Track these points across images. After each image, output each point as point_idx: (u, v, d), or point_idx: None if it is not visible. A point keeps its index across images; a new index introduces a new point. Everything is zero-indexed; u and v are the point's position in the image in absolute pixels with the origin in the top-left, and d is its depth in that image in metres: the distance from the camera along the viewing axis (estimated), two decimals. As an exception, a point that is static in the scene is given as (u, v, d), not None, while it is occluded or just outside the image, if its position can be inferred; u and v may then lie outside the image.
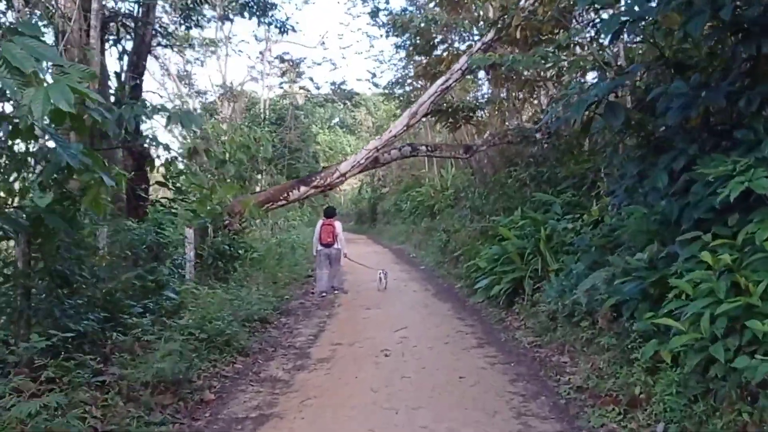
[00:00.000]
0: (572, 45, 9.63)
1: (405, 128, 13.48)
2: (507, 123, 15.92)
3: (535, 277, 9.73)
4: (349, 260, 14.79)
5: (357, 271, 17.08)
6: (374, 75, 32.24)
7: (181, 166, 12.24)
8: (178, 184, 11.56)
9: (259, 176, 22.06)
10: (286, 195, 13.29)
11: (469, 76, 14.95)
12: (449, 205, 22.31)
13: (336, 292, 13.73)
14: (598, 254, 7.51)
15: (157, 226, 8.31)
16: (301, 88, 34.31)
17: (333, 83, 34.99)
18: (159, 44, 16.84)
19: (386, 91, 28.31)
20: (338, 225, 13.89)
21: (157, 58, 31.15)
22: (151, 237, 8.21)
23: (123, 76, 12.24)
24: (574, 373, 6.50)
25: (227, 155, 17.49)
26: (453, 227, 18.25)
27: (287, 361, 7.79)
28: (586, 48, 9.69)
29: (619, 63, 8.90)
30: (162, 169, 11.53)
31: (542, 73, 12.79)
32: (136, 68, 12.43)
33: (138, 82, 12.34)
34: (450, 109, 14.16)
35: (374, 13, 24.12)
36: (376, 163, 14.20)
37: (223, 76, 28.09)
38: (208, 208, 11.81)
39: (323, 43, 34.96)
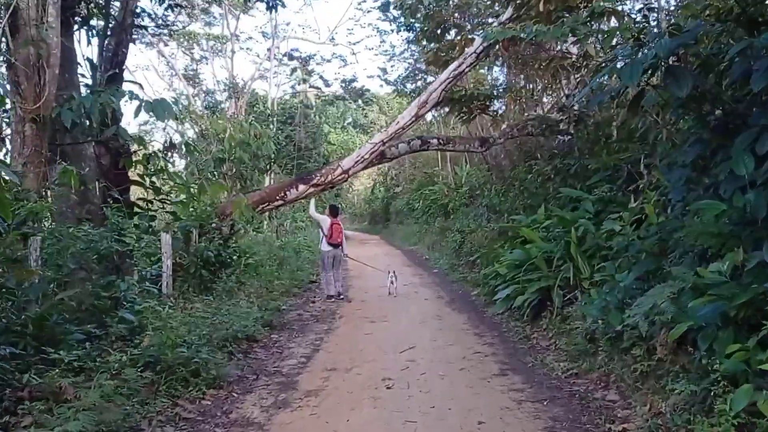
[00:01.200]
0: (608, 14, 8.02)
1: (414, 119, 11.95)
2: (526, 113, 14.30)
3: (566, 286, 8.17)
4: (351, 260, 13.65)
5: (364, 275, 15.57)
6: (385, 71, 30.47)
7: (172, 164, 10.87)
8: (158, 184, 10.12)
9: (264, 176, 20.64)
10: (283, 194, 11.81)
11: (485, 61, 13.36)
12: (464, 203, 20.76)
13: (341, 297, 12.38)
14: (651, 262, 5.93)
15: (117, 232, 6.86)
16: (310, 86, 32.87)
17: (343, 80, 33.50)
18: (140, 27, 15.28)
19: (397, 86, 26.78)
20: (342, 225, 12.71)
21: (163, 55, 30.14)
22: (106, 245, 6.73)
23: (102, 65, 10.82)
24: (627, 419, 4.93)
25: (226, 153, 16.18)
26: (468, 227, 16.72)
27: (268, 395, 6.27)
28: (625, 19, 8.09)
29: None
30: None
31: (567, 53, 11.18)
32: (115, 56, 10.97)
33: (117, 71, 10.88)
34: (464, 98, 12.59)
35: (385, 7, 22.65)
36: (383, 158, 12.68)
37: (230, 73, 26.74)
38: (192, 209, 10.37)
39: (333, 39, 33.59)
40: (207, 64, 28.31)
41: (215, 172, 16.58)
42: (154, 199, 9.78)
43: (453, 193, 22.54)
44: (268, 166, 18.36)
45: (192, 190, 10.69)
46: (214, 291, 9.66)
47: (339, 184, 12.52)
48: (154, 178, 9.93)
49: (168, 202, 9.88)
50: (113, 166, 9.86)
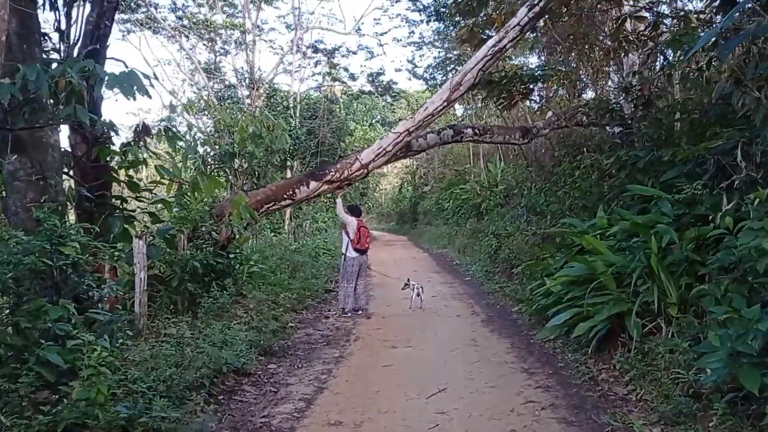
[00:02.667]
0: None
1: (445, 104, 10.03)
2: (576, 99, 12.27)
3: (645, 312, 6.20)
4: (373, 271, 11.70)
5: (387, 283, 13.70)
6: (414, 64, 28.59)
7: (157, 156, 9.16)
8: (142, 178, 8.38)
9: (280, 173, 18.88)
10: (291, 193, 9.98)
11: (527, 41, 11.39)
12: (499, 204, 18.76)
13: (359, 312, 10.57)
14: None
15: (50, 240, 5.08)
16: (334, 79, 31.07)
17: (370, 74, 31.61)
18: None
19: (426, 78, 24.85)
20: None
21: (183, 48, 28.59)
22: (32, 259, 4.95)
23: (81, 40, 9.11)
24: None
25: (235, 147, 14.43)
26: (505, 230, 14.73)
27: (243, 470, 4.46)
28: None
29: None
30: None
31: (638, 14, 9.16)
32: (96, 29, 9.23)
33: (98, 47, 9.14)
34: (504, 80, 10.62)
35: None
36: (408, 150, 10.79)
37: (249, 62, 25.02)
38: (182, 209, 8.61)
39: (359, 29, 31.56)
40: (227, 56, 26.63)
41: (225, 169, 14.84)
42: (130, 197, 8.01)
43: (486, 193, 20.57)
44: (284, 162, 16.52)
45: (184, 186, 8.94)
46: (202, 309, 7.88)
47: (357, 180, 10.66)
48: (132, 172, 8.20)
49: (147, 200, 8.10)
50: (90, 157, 8.15)
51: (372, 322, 9.87)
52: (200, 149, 15.72)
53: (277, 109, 21.52)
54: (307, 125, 24.68)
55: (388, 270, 13.18)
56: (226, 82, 28.23)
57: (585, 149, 13.50)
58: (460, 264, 17.73)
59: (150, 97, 6.86)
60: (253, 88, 21.15)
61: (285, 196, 9.98)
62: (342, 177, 10.15)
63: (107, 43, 9.24)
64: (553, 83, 11.54)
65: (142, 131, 7.30)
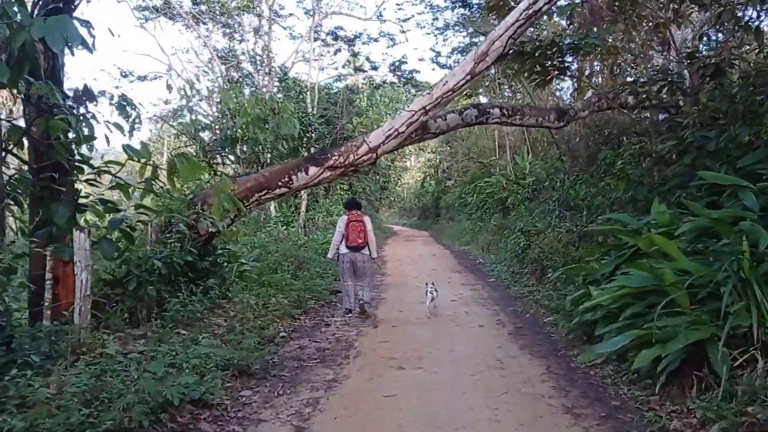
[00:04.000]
0: None
1: (468, 78, 8.40)
2: (620, 77, 10.53)
3: (733, 339, 4.55)
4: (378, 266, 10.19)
5: (402, 283, 12.16)
6: (438, 54, 26.91)
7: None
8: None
9: (288, 161, 17.33)
10: (286, 180, 8.44)
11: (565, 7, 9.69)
12: (526, 198, 17.04)
13: (362, 310, 9.38)
14: None
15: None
16: (356, 68, 29.49)
17: (392, 63, 29.95)
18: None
19: (449, 64, 23.14)
20: (368, 221, 9.53)
21: (199, 36, 27.25)
22: None
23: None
24: None
25: (237, 131, 13.00)
26: (534, 227, 13.05)
27: None
28: None
29: None
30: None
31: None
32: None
33: (61, 4, 7.66)
34: (539, 50, 8.93)
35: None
36: (425, 132, 9.18)
37: (264, 47, 23.57)
38: (152, 197, 7.14)
39: (380, 15, 29.62)
40: (241, 43, 25.19)
41: (228, 156, 13.40)
42: (87, 180, 6.53)
43: (513, 186, 18.85)
44: (294, 150, 14.99)
45: (154, 170, 7.45)
46: (165, 318, 6.39)
47: (365, 166, 9.05)
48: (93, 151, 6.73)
49: (97, 183, 6.61)
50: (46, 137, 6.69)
51: (379, 333, 8.31)
52: (204, 135, 14.39)
53: (289, 93, 19.95)
54: (325, 114, 23.10)
55: (405, 269, 11.62)
56: (244, 71, 26.84)
57: (625, 137, 11.83)
58: (484, 263, 16.08)
59: (91, 51, 5.36)
60: (265, 72, 19.60)
61: (280, 183, 8.44)
62: (346, 162, 8.58)
63: (75, 3, 7.77)
64: (593, 57, 9.79)
65: (83, 95, 5.80)
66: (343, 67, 29.24)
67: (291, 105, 13.42)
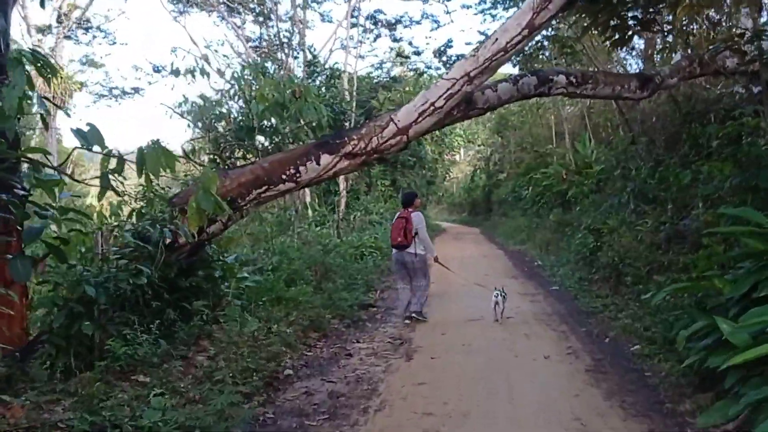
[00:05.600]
0: None
1: (525, 34, 6.40)
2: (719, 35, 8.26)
3: None
4: (441, 265, 9.35)
5: (444, 295, 10.19)
6: (486, 37, 24.61)
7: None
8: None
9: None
10: (292, 172, 6.60)
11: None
12: (591, 190, 14.80)
13: (409, 320, 8.53)
14: None
15: None
16: (398, 55, 27.57)
17: (437, 49, 27.85)
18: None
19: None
20: (416, 217, 8.71)
21: (233, 27, 25.77)
22: None
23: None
24: None
25: (253, 118, 11.28)
26: (604, 224, 10.90)
27: None
28: None
29: None
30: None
31: None
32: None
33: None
34: (616, -2, 6.83)
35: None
36: (469, 107, 7.20)
37: (297, 30, 21.83)
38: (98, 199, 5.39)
39: (424, -6, 27.15)
40: (275, 28, 23.52)
41: (245, 148, 11.70)
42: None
43: (574, 177, 16.62)
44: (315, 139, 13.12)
45: (120, 162, 5.70)
46: (103, 365, 4.63)
47: (392, 152, 7.08)
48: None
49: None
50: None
51: (413, 367, 6.39)
52: (220, 127, 12.71)
53: (318, 78, 18.11)
54: (364, 104, 21.24)
55: (451, 273, 9.69)
56: (280, 60, 25.20)
57: (713, 113, 9.62)
58: (543, 266, 13.95)
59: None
60: (288, 55, 17.81)
61: (284, 176, 6.60)
62: (368, 147, 6.69)
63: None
64: (688, 9, 7.56)
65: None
66: (387, 53, 27.35)
67: (314, 88, 11.55)
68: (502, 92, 7.36)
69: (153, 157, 5.50)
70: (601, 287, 9.95)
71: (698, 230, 8.20)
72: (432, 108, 6.69)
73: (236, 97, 12.21)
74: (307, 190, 19.27)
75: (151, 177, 5.86)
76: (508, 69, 17.21)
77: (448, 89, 6.63)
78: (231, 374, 5.33)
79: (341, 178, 20.88)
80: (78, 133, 5.20)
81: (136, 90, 29.49)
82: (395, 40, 27.04)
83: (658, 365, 5.82)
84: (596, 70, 9.62)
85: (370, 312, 9.36)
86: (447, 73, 6.77)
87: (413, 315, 8.55)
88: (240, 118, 11.33)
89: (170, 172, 5.90)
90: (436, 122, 6.94)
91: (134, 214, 5.98)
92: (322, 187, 23.23)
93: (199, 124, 12.35)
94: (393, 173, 25.96)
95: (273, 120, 11.25)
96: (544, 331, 7.79)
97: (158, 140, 5.79)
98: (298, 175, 6.62)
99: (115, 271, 5.07)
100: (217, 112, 11.86)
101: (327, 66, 19.13)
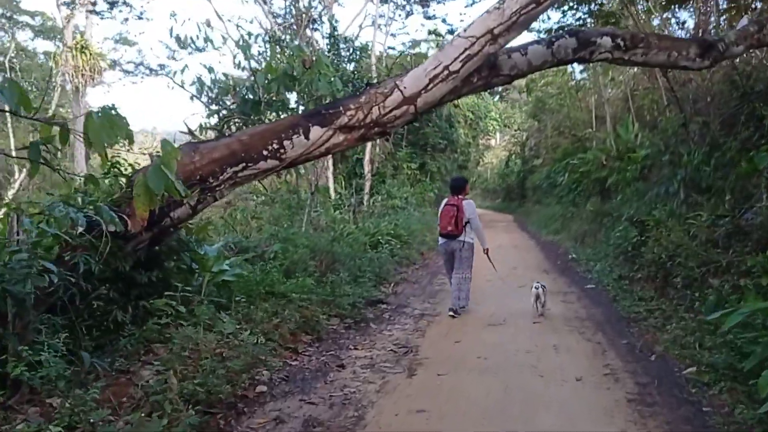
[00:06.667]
0: None
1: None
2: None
3: None
4: (488, 259, 8.63)
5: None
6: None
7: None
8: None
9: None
10: (276, 147, 5.44)
11: None
12: (635, 177, 13.34)
13: (455, 314, 7.85)
14: None
15: None
16: (430, 33, 26.17)
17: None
18: None
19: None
20: (468, 205, 8.13)
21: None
22: None
23: None
24: None
25: (259, 91, 10.22)
26: (650, 216, 9.53)
27: None
28: None
29: None
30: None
31: None
32: None
33: None
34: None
35: None
36: (492, 73, 5.91)
37: (327, 7, 20.61)
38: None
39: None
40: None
41: (249, 122, 10.60)
42: None
43: (615, 163, 15.14)
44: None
45: (63, 131, 4.61)
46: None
47: (396, 125, 5.84)
48: None
49: None
50: None
51: (414, 387, 5.20)
52: (227, 99, 11.62)
53: (339, 52, 16.83)
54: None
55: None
56: (308, 36, 24.03)
57: None
58: (578, 259, 12.59)
59: None
60: (305, 25, 16.52)
61: (265, 151, 5.43)
62: (368, 119, 5.49)
63: None
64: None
65: None
66: (416, 32, 25.95)
67: (325, 58, 10.34)
68: (533, 56, 6.05)
69: (99, 126, 4.42)
70: (644, 288, 8.62)
71: (764, 226, 6.87)
72: (446, 72, 5.44)
73: (242, 68, 11.11)
74: (329, 172, 18.16)
75: (106, 150, 4.81)
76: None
77: (465, 50, 5.38)
78: (181, 394, 4.25)
79: (366, 160, 19.73)
80: (5, 92, 4.16)
81: (162, 67, 28.80)
82: (428, 17, 25.66)
83: (720, 398, 4.56)
84: (648, 33, 8.16)
85: (378, 309, 8.20)
86: (465, 30, 5.49)
87: (461, 309, 7.99)
88: (245, 91, 10.22)
89: (129, 143, 4.85)
90: (452, 90, 5.69)
91: (76, 195, 4.90)
92: (348, 169, 22.14)
93: (205, 99, 11.29)
94: (422, 156, 24.69)
95: (281, 92, 10.13)
96: (577, 343, 6.53)
97: (111, 106, 4.70)
98: (282, 151, 5.45)
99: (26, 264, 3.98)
100: (222, 84, 10.78)
101: (351, 40, 17.82)
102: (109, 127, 4.46)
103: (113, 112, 4.57)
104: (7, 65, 22.24)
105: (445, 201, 8.28)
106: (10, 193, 22.87)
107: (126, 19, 32.90)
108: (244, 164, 5.43)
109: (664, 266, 8.17)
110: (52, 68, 25.08)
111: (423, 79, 5.48)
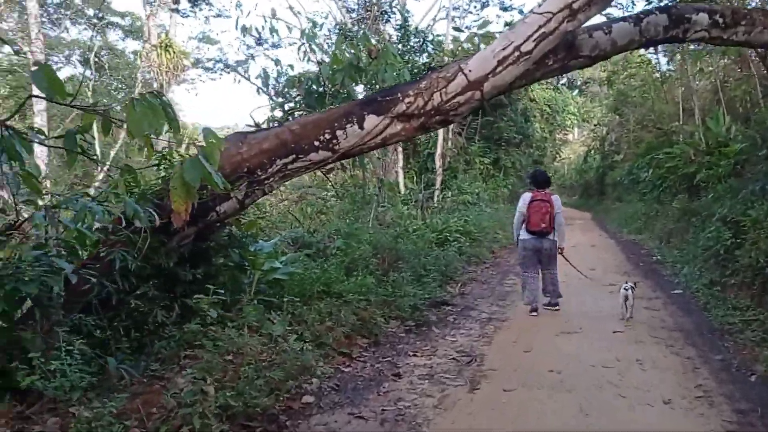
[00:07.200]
0: None
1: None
2: None
3: None
4: (565, 260, 8.11)
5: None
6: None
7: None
8: None
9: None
10: (328, 137, 4.99)
11: None
12: (727, 174, 12.19)
13: (551, 307, 7.75)
14: None
15: None
16: (507, 25, 25.19)
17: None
18: None
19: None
20: (557, 201, 7.83)
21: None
22: None
23: None
24: None
25: (324, 83, 9.88)
26: (746, 216, 8.56)
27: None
28: None
29: None
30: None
31: None
32: None
33: None
34: None
35: None
36: (571, 53, 5.24)
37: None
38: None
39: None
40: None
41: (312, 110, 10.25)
42: None
43: (704, 158, 13.94)
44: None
45: (107, 121, 4.33)
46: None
47: (461, 113, 5.24)
48: None
49: None
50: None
51: (476, 404, 4.63)
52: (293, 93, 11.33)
53: (409, 44, 16.25)
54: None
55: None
56: (381, 30, 23.66)
57: None
58: (663, 261, 11.62)
59: None
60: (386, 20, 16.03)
61: (317, 142, 4.99)
62: (428, 106, 4.95)
63: None
64: None
65: None
66: (493, 24, 24.98)
67: (392, 47, 9.85)
68: (618, 35, 5.34)
69: (141, 114, 4.12)
70: (738, 296, 7.70)
71: None
72: (517, 54, 4.84)
73: (307, 59, 10.77)
74: (398, 166, 17.69)
75: (152, 141, 4.51)
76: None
77: (540, 27, 4.76)
78: (217, 405, 3.86)
79: (438, 154, 19.13)
80: (35, 77, 3.89)
81: (240, 63, 29.12)
82: (504, 8, 24.72)
83: None
84: (752, 8, 7.25)
85: (442, 312, 7.65)
86: (539, 5, 4.85)
87: (551, 304, 7.79)
88: (309, 83, 9.85)
89: (174, 133, 4.59)
90: (523, 74, 5.07)
91: (116, 185, 4.60)
92: (419, 164, 21.62)
93: (271, 91, 11.03)
94: (496, 151, 23.86)
95: (345, 83, 9.72)
96: (664, 357, 5.78)
97: (156, 92, 4.39)
98: (334, 141, 5.00)
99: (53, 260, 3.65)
100: (287, 77, 10.48)
101: (423, 32, 17.22)
102: (151, 114, 4.15)
103: (158, 99, 4.26)
104: (92, 62, 22.88)
105: (530, 196, 7.74)
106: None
107: (207, 18, 33.45)
108: (294, 155, 5.00)
109: (762, 272, 7.26)
110: (137, 66, 25.81)
111: (491, 61, 4.89)
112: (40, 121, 14.97)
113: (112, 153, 20.30)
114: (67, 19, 27.91)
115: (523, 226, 7.75)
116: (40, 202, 3.99)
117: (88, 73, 21.23)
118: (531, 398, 4.71)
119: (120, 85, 30.02)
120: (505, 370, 5.41)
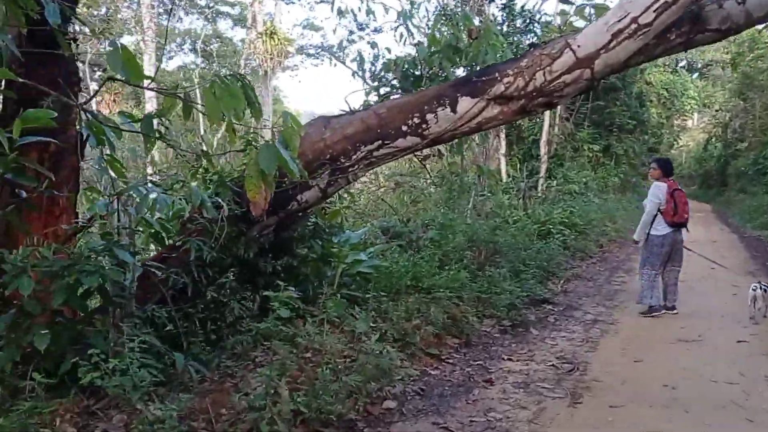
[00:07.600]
0: None
1: None
2: None
3: None
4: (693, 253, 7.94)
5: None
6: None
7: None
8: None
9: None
10: (417, 121, 4.58)
11: None
12: None
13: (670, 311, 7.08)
14: None
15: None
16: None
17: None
18: None
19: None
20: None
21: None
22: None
23: None
24: None
25: (419, 64, 9.52)
26: None
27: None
28: None
29: None
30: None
31: None
32: None
33: None
34: None
35: None
36: (696, 26, 4.52)
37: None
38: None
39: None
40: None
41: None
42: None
43: None
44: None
45: (187, 107, 4.17)
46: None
47: (567, 94, 4.66)
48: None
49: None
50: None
51: (576, 422, 4.10)
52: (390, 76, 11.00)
53: (514, 24, 15.42)
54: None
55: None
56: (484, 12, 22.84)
57: None
58: (795, 261, 10.39)
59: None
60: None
61: (405, 126, 4.60)
62: (530, 87, 4.43)
63: None
64: None
65: None
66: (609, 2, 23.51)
67: (493, 26, 9.28)
68: (753, 5, 4.57)
69: (219, 96, 3.91)
70: None
71: None
72: (634, 26, 4.22)
73: (404, 41, 10.39)
74: (500, 153, 17.00)
75: (234, 126, 4.33)
76: None
77: (661, -5, 4.11)
78: (290, 408, 3.59)
79: (543, 141, 18.25)
80: (110, 57, 3.76)
81: (337, 47, 29.28)
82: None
83: None
84: None
85: (542, 311, 7.09)
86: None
87: (674, 307, 7.16)
88: (406, 66, 9.47)
89: (255, 117, 4.41)
90: (641, 50, 4.43)
91: (194, 174, 4.43)
92: (523, 151, 20.76)
93: (367, 75, 10.75)
94: (607, 138, 22.52)
95: (443, 65, 9.26)
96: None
97: (239, 75, 4.18)
98: (424, 126, 4.59)
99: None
100: (384, 60, 10.14)
101: (530, 11, 16.34)
102: (229, 97, 3.92)
103: (239, 82, 4.03)
104: (198, 49, 23.69)
105: (665, 185, 7.18)
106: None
107: (311, 5, 33.67)
108: (380, 141, 4.64)
109: None
110: (241, 52, 26.51)
111: (603, 34, 4.30)
112: (150, 107, 15.52)
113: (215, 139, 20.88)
114: (180, 9, 29.07)
115: (660, 218, 7.10)
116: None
117: (198, 60, 22.21)
118: (641, 417, 4.12)
119: (227, 72, 31.11)
120: (610, 382, 4.83)
